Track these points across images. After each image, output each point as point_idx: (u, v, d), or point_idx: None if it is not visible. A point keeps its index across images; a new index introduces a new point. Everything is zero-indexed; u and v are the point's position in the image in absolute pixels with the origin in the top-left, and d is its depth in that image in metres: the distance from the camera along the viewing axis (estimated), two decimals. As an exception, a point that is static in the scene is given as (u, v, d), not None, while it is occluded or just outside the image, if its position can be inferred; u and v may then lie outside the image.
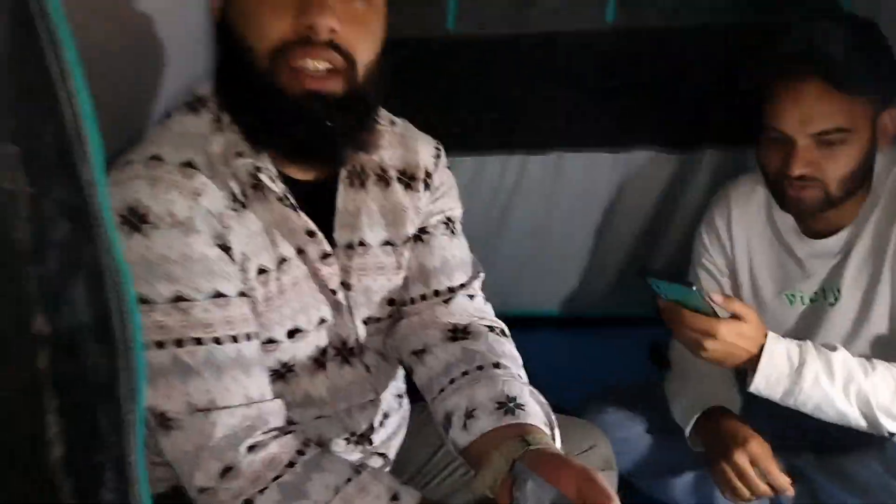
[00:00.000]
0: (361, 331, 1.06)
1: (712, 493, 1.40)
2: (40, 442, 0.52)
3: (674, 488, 1.46)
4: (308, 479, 0.86)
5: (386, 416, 1.13)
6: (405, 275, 1.10)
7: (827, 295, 1.38)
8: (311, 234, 0.97)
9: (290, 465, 0.87)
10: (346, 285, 1.03)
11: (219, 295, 0.89)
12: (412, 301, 1.11)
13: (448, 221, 1.13)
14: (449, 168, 1.15)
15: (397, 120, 1.12)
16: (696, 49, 1.60)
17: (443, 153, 1.14)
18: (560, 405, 1.47)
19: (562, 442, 1.03)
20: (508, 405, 0.93)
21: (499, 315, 1.52)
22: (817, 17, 1.33)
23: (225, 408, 0.87)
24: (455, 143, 1.65)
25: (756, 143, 1.34)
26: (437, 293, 1.10)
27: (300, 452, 0.88)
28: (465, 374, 1.00)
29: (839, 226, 1.36)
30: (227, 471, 0.86)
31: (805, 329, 1.40)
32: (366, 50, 0.92)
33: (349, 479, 0.87)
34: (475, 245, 1.76)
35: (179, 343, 0.86)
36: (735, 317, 1.21)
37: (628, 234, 1.81)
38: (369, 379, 1.08)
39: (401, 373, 1.17)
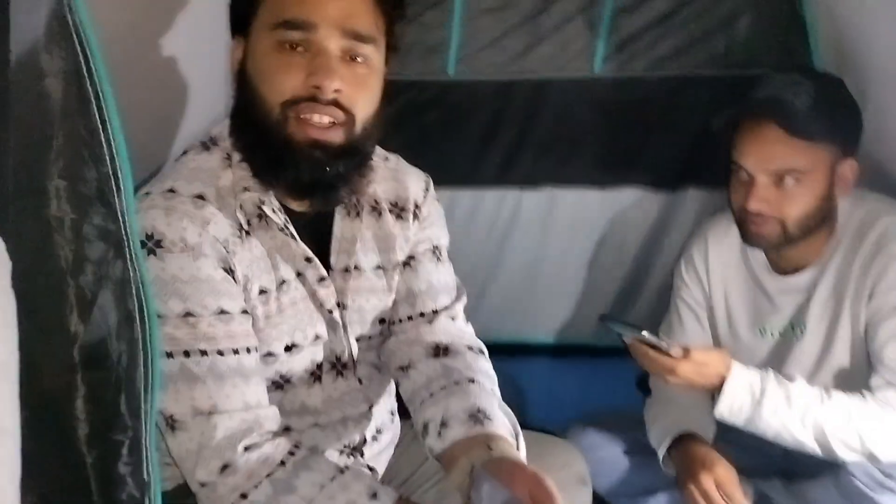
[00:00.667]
0: (355, 347, 1.17)
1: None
2: (72, 423, 0.64)
3: (647, 508, 1.55)
4: (297, 476, 0.97)
5: (379, 431, 1.23)
6: (394, 297, 1.22)
7: (795, 329, 1.48)
8: (308, 259, 1.09)
9: (282, 463, 0.98)
10: (341, 305, 1.14)
11: (223, 312, 1.00)
12: (399, 321, 1.22)
13: (435, 249, 1.24)
14: (437, 200, 1.27)
15: (390, 156, 1.24)
16: (679, 97, 1.71)
17: (431, 186, 1.26)
18: (547, 427, 1.58)
19: (541, 459, 1.15)
20: (478, 416, 1.04)
21: (496, 342, 1.64)
22: (788, 70, 1.44)
23: (225, 412, 0.98)
24: (455, 178, 1.80)
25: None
26: (422, 314, 1.21)
27: (291, 453, 0.99)
28: (443, 388, 1.11)
29: (805, 264, 1.46)
30: (225, 468, 0.97)
31: (775, 361, 1.49)
32: (365, 107, 1.05)
33: (333, 478, 0.98)
34: (473, 275, 1.89)
35: (187, 353, 0.98)
36: (687, 354, 1.32)
37: (618, 267, 1.91)
38: (362, 391, 1.19)
39: (393, 388, 1.28)
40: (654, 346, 1.34)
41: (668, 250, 1.84)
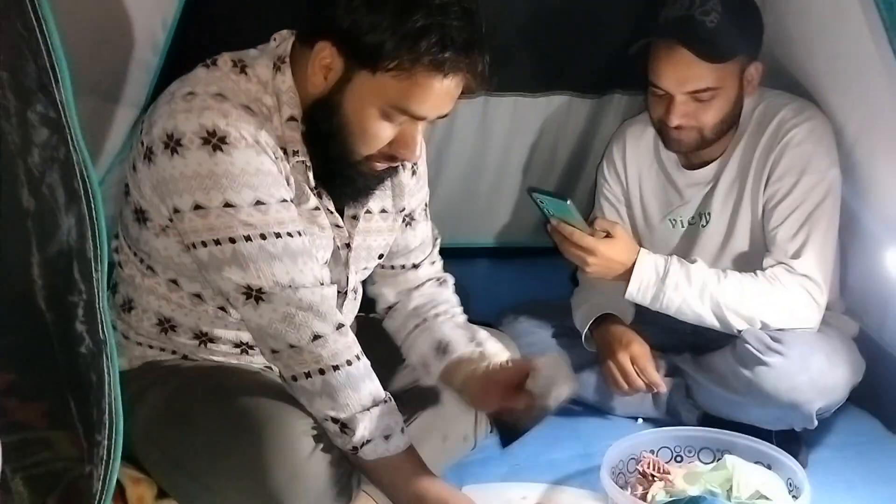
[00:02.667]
0: (353, 280, 1.30)
1: (598, 387, 1.66)
2: (30, 287, 0.74)
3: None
4: (364, 378, 1.13)
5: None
6: (392, 247, 1.36)
7: (701, 218, 1.62)
8: (330, 212, 1.20)
9: (358, 357, 1.13)
10: (347, 246, 1.26)
11: (285, 200, 1.12)
12: (392, 268, 1.40)
13: (425, 206, 1.40)
14: None
15: None
16: (603, 4, 1.79)
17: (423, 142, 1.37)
18: (485, 320, 1.71)
19: None
20: (441, 347, 1.31)
21: (440, 246, 1.74)
22: None
23: (303, 286, 1.11)
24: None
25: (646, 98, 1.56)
26: (414, 265, 1.40)
27: (358, 357, 1.14)
28: (416, 326, 1.35)
29: (711, 158, 1.59)
30: (317, 338, 1.10)
31: (685, 248, 1.64)
32: None
33: (382, 402, 1.14)
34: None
35: (263, 237, 1.09)
36: (608, 235, 1.46)
37: (551, 171, 2.02)
38: (342, 310, 1.31)
39: (356, 308, 1.42)
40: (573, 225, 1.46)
41: (596, 152, 1.95)
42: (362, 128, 1.10)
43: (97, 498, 0.79)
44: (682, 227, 1.65)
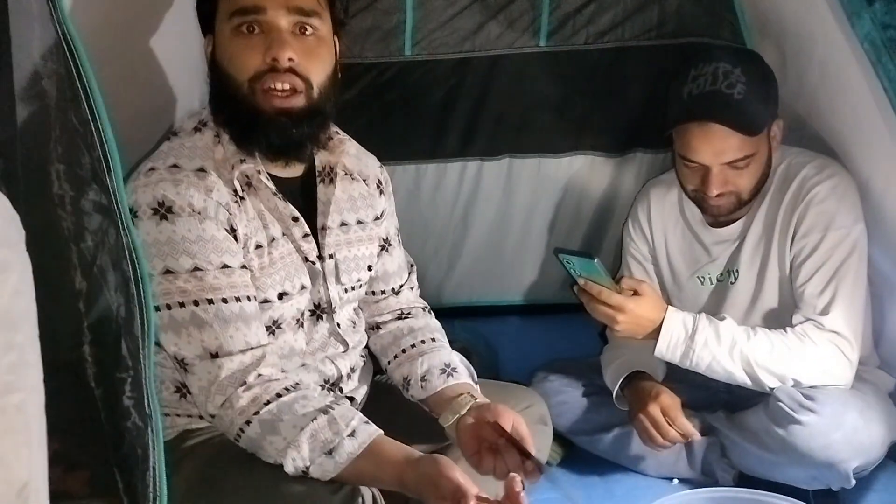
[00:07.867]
0: (334, 294, 1.33)
1: (631, 446, 1.65)
2: (81, 364, 0.77)
3: (603, 442, 1.70)
4: (280, 419, 1.12)
5: (353, 369, 1.39)
6: (372, 273, 1.41)
7: (730, 275, 1.63)
8: (294, 219, 1.25)
9: (268, 403, 1.13)
10: (321, 258, 1.30)
11: (225, 266, 1.17)
12: (373, 293, 1.45)
13: (398, 232, 1.47)
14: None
15: (344, 135, 1.39)
16: (620, 67, 1.85)
17: (385, 170, 1.46)
18: (518, 380, 1.72)
19: (506, 403, 1.36)
20: (448, 370, 1.32)
21: (468, 305, 1.75)
22: (717, 58, 1.50)
23: (228, 353, 1.14)
24: (419, 153, 1.94)
25: (672, 159, 1.59)
26: (393, 290, 1.46)
27: (279, 395, 1.15)
28: (412, 346, 1.38)
29: (737, 217, 1.60)
30: (224, 403, 1.14)
31: (714, 305, 1.64)
32: (319, 73, 1.21)
33: (315, 418, 1.12)
34: (442, 243, 2.03)
35: (196, 303, 1.14)
36: (636, 293, 1.47)
37: (576, 229, 2.05)
38: (339, 335, 1.35)
39: (364, 337, 1.44)
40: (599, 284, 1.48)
41: (620, 210, 1.98)
42: (229, 54, 1.17)
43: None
44: (711, 284, 1.65)
